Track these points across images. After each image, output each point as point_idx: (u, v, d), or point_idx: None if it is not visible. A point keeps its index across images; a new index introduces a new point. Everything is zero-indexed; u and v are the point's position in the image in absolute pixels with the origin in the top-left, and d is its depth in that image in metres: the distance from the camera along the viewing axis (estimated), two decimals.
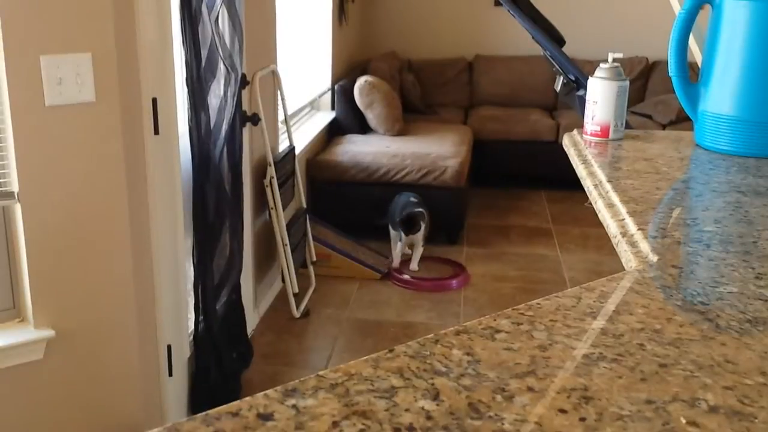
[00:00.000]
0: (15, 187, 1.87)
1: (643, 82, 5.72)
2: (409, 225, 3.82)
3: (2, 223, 1.92)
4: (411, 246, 3.98)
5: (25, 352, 1.96)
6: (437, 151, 4.41)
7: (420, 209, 3.86)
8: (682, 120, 5.12)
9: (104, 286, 2.05)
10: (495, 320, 0.75)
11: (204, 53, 2.35)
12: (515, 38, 5.78)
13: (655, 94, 5.57)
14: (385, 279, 3.85)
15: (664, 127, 5.25)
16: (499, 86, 5.90)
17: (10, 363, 1.95)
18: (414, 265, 3.94)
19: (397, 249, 3.96)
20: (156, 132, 2.19)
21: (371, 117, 4.83)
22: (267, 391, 0.61)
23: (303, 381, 0.63)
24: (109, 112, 1.95)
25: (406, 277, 3.82)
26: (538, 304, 0.80)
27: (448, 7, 6.08)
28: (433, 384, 0.63)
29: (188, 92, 2.32)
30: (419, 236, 3.89)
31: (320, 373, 0.64)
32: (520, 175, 5.47)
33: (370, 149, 4.43)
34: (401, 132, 4.83)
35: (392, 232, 4.01)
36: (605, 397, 0.62)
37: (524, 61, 5.87)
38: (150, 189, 2.18)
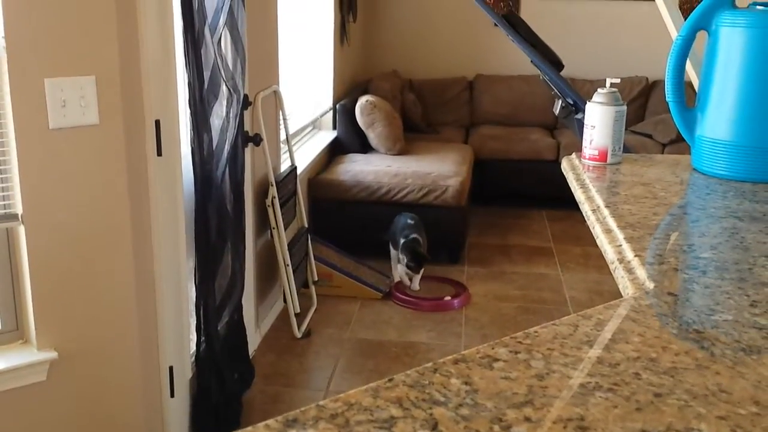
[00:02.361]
0: (19, 209, 1.89)
1: (642, 101, 5.75)
2: (415, 260, 3.83)
3: (6, 244, 1.93)
4: None
5: (28, 373, 1.97)
6: (438, 170, 4.43)
7: (415, 235, 3.86)
8: (681, 139, 5.11)
9: (107, 307, 2.06)
10: (493, 349, 0.77)
11: (206, 75, 2.38)
12: (516, 58, 5.81)
13: (655, 114, 5.59)
14: (387, 298, 3.86)
15: (664, 146, 5.27)
16: (500, 105, 5.93)
17: (13, 385, 1.95)
18: (415, 285, 3.95)
19: (399, 270, 3.96)
20: (159, 153, 2.20)
21: (372, 136, 4.86)
22: (268, 422, 0.62)
23: (303, 411, 0.64)
24: (112, 134, 1.97)
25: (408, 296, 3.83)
26: (536, 332, 0.81)
27: (449, 26, 6.13)
28: (431, 414, 0.64)
29: (191, 114, 2.34)
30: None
31: (320, 403, 0.65)
32: (521, 194, 5.48)
33: (372, 168, 4.45)
34: (402, 151, 4.86)
35: (392, 251, 4.03)
36: (601, 427, 0.63)
37: (525, 80, 5.90)
38: (153, 210, 2.19)
